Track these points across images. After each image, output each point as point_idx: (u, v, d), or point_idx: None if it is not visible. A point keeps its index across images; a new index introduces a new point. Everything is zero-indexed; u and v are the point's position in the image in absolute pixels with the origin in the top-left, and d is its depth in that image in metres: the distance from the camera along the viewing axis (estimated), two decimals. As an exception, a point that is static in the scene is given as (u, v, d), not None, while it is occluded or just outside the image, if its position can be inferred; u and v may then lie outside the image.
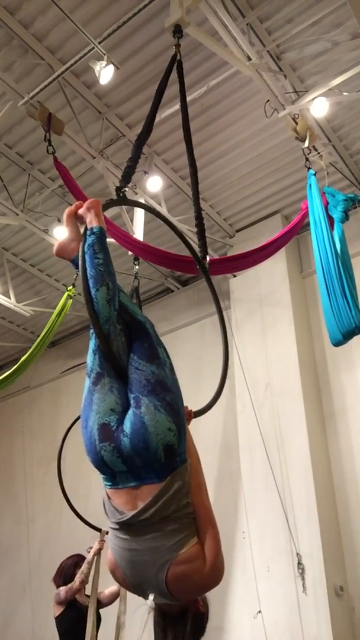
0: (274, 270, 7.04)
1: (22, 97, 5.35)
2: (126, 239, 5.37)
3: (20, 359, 7.24)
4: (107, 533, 4.97)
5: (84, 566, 4.79)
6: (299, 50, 5.48)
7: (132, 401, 2.12)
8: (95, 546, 4.86)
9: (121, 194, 2.97)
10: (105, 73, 5.06)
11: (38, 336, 7.23)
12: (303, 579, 5.64)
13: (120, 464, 2.06)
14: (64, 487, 5.23)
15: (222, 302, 8.07)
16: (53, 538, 8.60)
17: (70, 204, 7.79)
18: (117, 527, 2.07)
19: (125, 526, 2.04)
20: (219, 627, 6.32)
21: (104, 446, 2.07)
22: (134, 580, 2.09)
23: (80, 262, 2.28)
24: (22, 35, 5.28)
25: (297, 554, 5.76)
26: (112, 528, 2.11)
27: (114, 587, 4.99)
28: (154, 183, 6.50)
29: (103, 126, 6.16)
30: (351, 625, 5.72)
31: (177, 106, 5.09)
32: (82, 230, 2.43)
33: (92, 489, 7.83)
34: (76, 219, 2.48)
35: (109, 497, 2.13)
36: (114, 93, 5.93)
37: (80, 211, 2.44)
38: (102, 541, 4.91)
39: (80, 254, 2.29)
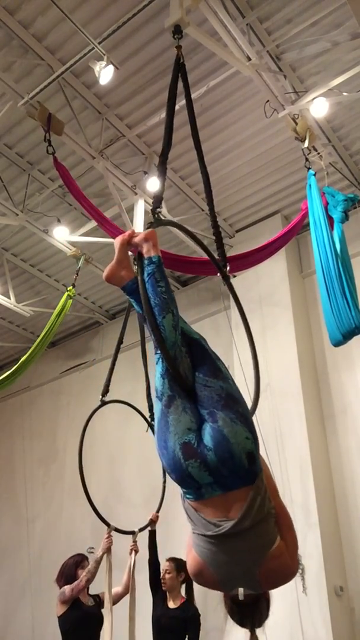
0: (274, 270, 7.04)
1: (22, 97, 5.35)
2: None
3: (20, 359, 7.25)
4: (115, 530, 4.98)
5: (92, 565, 4.75)
6: (299, 51, 5.48)
7: (206, 416, 2.24)
8: (104, 545, 4.82)
9: (157, 216, 3.00)
10: (105, 73, 5.06)
11: (38, 336, 7.25)
12: (303, 579, 5.64)
13: (207, 476, 2.17)
14: (85, 479, 5.23)
15: (222, 302, 8.11)
16: (53, 538, 8.61)
17: (70, 205, 7.78)
18: (210, 537, 2.19)
19: (222, 536, 2.16)
20: (219, 627, 6.31)
21: (190, 463, 2.18)
22: (223, 578, 2.23)
23: (141, 292, 2.37)
24: (22, 36, 5.28)
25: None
26: (200, 534, 2.22)
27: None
28: (154, 183, 6.50)
29: (103, 126, 6.16)
30: (351, 625, 5.72)
31: (177, 106, 5.08)
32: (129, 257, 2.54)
33: (91, 489, 7.82)
34: (129, 247, 2.55)
35: (194, 509, 2.24)
36: (113, 93, 5.93)
37: (136, 240, 2.52)
38: (109, 538, 4.87)
39: (140, 282, 2.39)
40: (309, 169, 5.17)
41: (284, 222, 7.25)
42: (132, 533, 5.13)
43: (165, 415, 2.27)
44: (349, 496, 6.13)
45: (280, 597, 6.10)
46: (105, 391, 5.57)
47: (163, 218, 3.00)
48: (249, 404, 2.95)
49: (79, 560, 4.96)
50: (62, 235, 7.12)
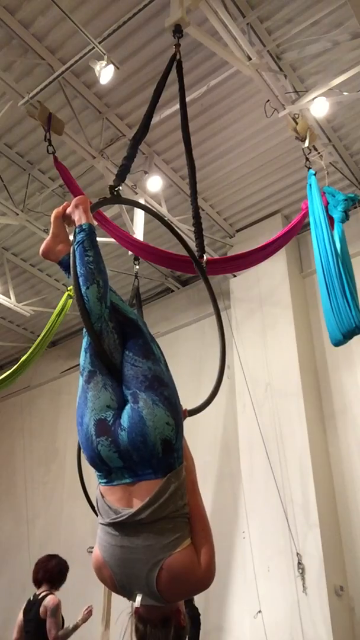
0: (274, 270, 7.03)
1: (22, 97, 5.34)
2: (126, 239, 5.36)
3: (20, 359, 7.25)
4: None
5: (70, 629, 4.56)
6: (299, 50, 5.48)
7: (129, 397, 2.12)
8: (84, 616, 4.71)
9: (115, 193, 2.94)
10: (105, 73, 5.06)
11: (38, 336, 7.24)
12: (303, 579, 5.64)
13: (117, 459, 2.04)
14: (83, 479, 5.23)
15: (222, 302, 8.13)
16: (53, 538, 8.61)
17: (71, 204, 7.68)
18: (109, 525, 2.04)
19: (119, 525, 2.01)
20: (219, 627, 6.31)
21: (100, 441, 2.05)
22: (122, 579, 2.03)
23: (71, 260, 2.26)
24: (22, 35, 5.28)
25: (297, 554, 5.75)
26: (102, 524, 2.07)
27: None
28: (154, 183, 6.50)
29: (103, 126, 6.16)
30: (351, 625, 5.72)
31: (177, 106, 5.08)
32: (70, 231, 2.42)
33: (91, 489, 7.83)
34: (64, 219, 2.46)
35: (102, 495, 2.11)
36: (114, 93, 5.93)
37: (68, 210, 2.42)
38: (89, 612, 4.77)
39: (71, 252, 2.27)
40: (309, 168, 5.17)
41: (284, 222, 7.25)
42: None
43: (85, 390, 2.17)
44: (349, 496, 6.13)
45: (280, 597, 6.14)
46: None
47: (122, 197, 2.95)
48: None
49: (62, 565, 4.85)
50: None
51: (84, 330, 2.24)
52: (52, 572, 4.72)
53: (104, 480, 2.11)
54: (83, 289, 2.19)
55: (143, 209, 3.38)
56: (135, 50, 5.51)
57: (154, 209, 3.17)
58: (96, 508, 2.13)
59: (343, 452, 6.33)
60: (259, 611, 5.80)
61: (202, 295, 8.24)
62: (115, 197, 2.95)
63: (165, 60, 5.46)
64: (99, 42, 4.97)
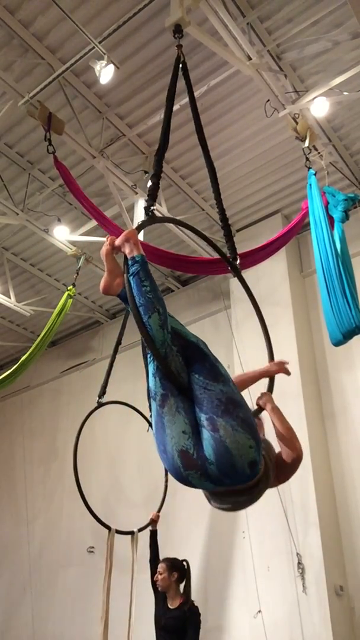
0: (274, 270, 7.03)
1: (22, 96, 5.35)
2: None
3: (20, 358, 7.26)
4: (115, 531, 4.99)
5: None
6: (299, 50, 5.48)
7: (205, 422, 2.21)
8: None
9: (150, 213, 3.04)
10: (105, 73, 5.06)
11: (38, 336, 7.25)
12: (303, 579, 5.64)
13: (210, 484, 2.24)
14: (79, 481, 5.23)
15: (222, 302, 8.12)
16: (53, 538, 8.61)
17: (71, 204, 7.76)
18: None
19: (217, 494, 2.39)
20: (219, 627, 6.31)
21: (190, 474, 2.20)
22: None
23: (127, 291, 2.36)
24: (22, 35, 5.28)
25: (297, 554, 5.75)
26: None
27: None
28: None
29: (103, 126, 6.16)
30: (351, 625, 5.71)
31: (178, 106, 5.09)
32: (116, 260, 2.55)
33: (91, 489, 7.83)
34: (113, 252, 2.56)
35: None
36: (114, 93, 5.92)
37: (117, 242, 2.52)
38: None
39: (125, 282, 2.38)
40: (309, 168, 5.17)
41: (284, 222, 7.25)
42: (132, 533, 5.12)
43: (161, 416, 2.27)
44: (349, 496, 6.12)
45: (280, 597, 6.13)
46: (102, 392, 5.56)
47: (157, 215, 3.01)
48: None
49: None
50: (63, 235, 7.12)
51: (149, 356, 2.34)
52: None
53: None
54: (145, 318, 2.30)
55: (182, 225, 3.46)
56: (135, 50, 5.51)
57: (190, 225, 3.24)
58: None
59: (343, 452, 6.33)
60: (259, 611, 5.79)
61: (202, 295, 8.24)
62: (152, 218, 3.04)
63: (166, 59, 5.50)
64: (99, 42, 4.97)
